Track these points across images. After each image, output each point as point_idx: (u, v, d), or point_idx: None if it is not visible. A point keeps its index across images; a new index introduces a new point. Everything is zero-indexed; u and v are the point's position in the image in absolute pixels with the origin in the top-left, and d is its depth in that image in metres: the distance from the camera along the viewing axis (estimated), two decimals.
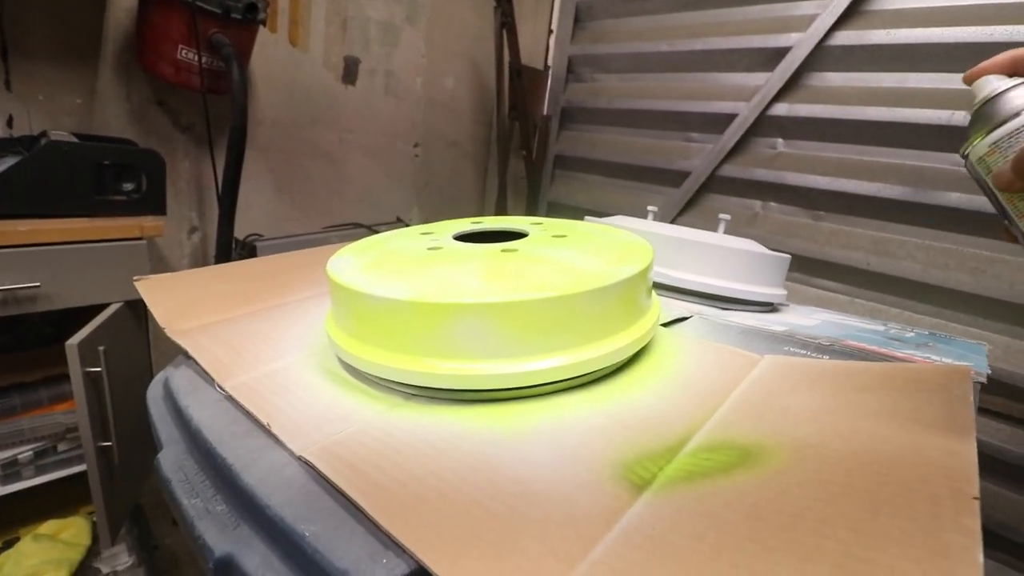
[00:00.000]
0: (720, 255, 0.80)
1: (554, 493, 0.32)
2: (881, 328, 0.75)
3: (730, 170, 1.74)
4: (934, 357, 0.60)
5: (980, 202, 1.31)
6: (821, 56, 1.52)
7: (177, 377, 0.54)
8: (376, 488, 0.32)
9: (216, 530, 0.35)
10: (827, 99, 1.54)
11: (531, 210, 2.33)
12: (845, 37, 1.47)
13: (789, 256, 0.86)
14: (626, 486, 0.33)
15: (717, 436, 0.37)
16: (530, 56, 2.31)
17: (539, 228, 0.63)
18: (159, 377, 0.61)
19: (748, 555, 0.25)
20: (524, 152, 2.20)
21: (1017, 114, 0.39)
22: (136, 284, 0.73)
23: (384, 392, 0.48)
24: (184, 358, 0.60)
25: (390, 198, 2.25)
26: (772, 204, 1.70)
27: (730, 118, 1.71)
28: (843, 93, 1.51)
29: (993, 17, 1.27)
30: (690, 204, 1.84)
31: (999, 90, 0.40)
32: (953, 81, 1.34)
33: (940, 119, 1.34)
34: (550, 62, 2.23)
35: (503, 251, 0.53)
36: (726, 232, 0.90)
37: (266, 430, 0.42)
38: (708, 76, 1.78)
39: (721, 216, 0.92)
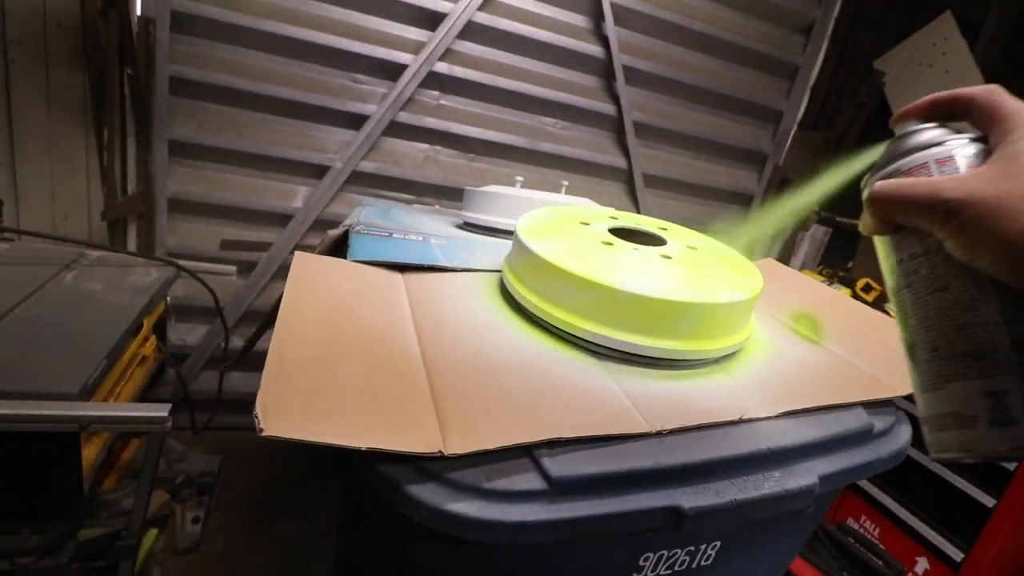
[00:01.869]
0: None
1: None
2: None
3: (406, 117, 1.93)
4: None
5: (557, 148, 2.14)
6: (471, 29, 1.89)
7: None
8: None
9: None
10: (473, 65, 1.96)
11: (142, 151, 1.71)
12: (485, 18, 1.89)
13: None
14: (812, 341, 0.76)
15: (787, 313, 0.84)
16: None
17: (666, 231, 0.83)
18: None
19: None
20: (130, 70, 1.55)
21: (903, 154, 0.35)
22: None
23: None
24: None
25: None
26: (440, 148, 2.04)
27: (401, 68, 1.87)
28: (483, 63, 1.97)
29: (558, 28, 2.00)
30: (373, 148, 1.93)
31: (900, 133, 0.37)
32: (541, 67, 2.03)
33: (542, 94, 2.03)
34: None
35: (689, 248, 0.75)
36: (566, 193, 1.25)
37: None
38: (372, 19, 1.82)
39: (562, 182, 1.26)
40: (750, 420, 0.59)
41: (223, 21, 1.67)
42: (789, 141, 2.38)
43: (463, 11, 1.84)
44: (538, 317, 0.68)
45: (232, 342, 1.80)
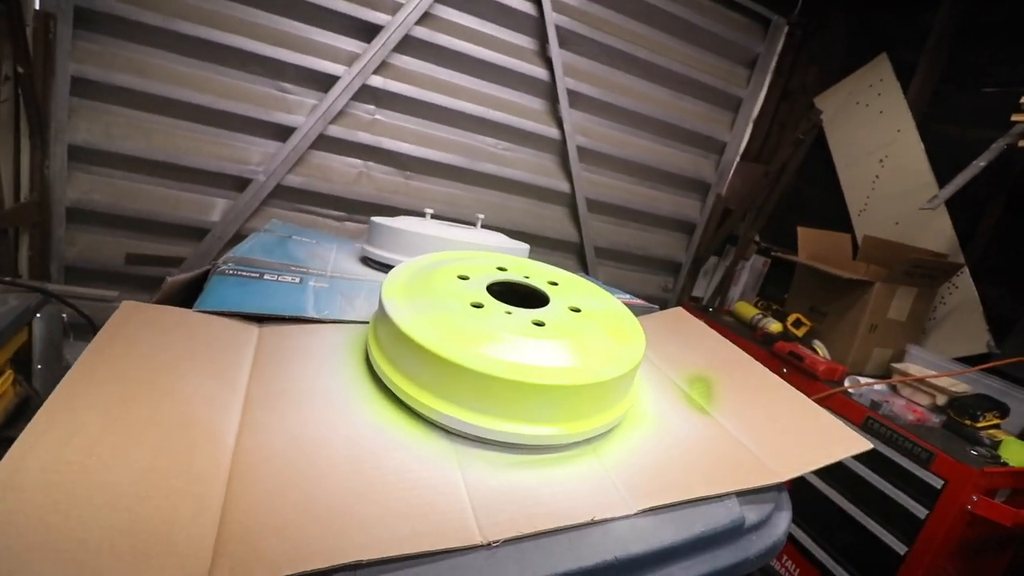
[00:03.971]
0: (486, 248, 1.08)
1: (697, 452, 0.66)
2: None
3: (337, 131, 1.84)
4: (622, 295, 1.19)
5: (498, 169, 2.08)
6: (409, 43, 1.82)
7: None
8: None
9: None
10: (410, 80, 1.88)
11: (38, 155, 1.56)
12: (424, 33, 1.82)
13: (527, 246, 1.22)
14: (702, 410, 0.71)
15: (683, 375, 0.79)
16: None
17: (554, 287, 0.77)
18: None
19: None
20: (20, 67, 1.41)
21: None
22: None
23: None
24: None
25: None
26: (373, 164, 1.95)
27: (332, 79, 1.77)
28: (421, 78, 1.89)
29: (501, 48, 1.95)
30: (300, 162, 1.82)
31: None
32: (483, 85, 1.97)
33: (484, 113, 1.97)
34: None
35: (571, 310, 0.68)
36: (483, 227, 1.18)
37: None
38: (301, 27, 1.73)
39: (478, 215, 1.19)
40: (603, 521, 0.53)
41: (131, 19, 1.55)
42: (732, 172, 2.39)
43: (400, 24, 1.77)
44: (390, 390, 0.61)
45: None
